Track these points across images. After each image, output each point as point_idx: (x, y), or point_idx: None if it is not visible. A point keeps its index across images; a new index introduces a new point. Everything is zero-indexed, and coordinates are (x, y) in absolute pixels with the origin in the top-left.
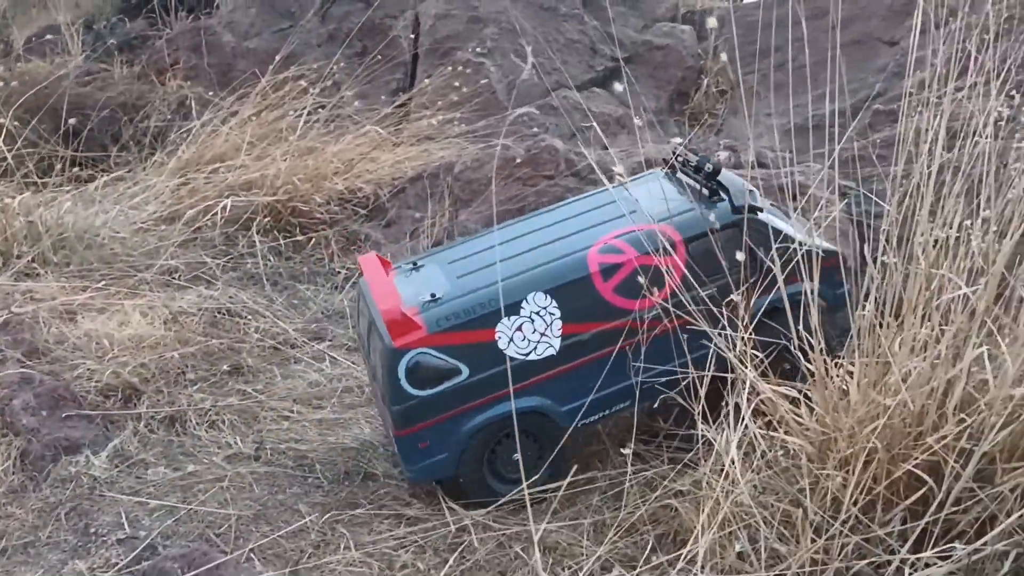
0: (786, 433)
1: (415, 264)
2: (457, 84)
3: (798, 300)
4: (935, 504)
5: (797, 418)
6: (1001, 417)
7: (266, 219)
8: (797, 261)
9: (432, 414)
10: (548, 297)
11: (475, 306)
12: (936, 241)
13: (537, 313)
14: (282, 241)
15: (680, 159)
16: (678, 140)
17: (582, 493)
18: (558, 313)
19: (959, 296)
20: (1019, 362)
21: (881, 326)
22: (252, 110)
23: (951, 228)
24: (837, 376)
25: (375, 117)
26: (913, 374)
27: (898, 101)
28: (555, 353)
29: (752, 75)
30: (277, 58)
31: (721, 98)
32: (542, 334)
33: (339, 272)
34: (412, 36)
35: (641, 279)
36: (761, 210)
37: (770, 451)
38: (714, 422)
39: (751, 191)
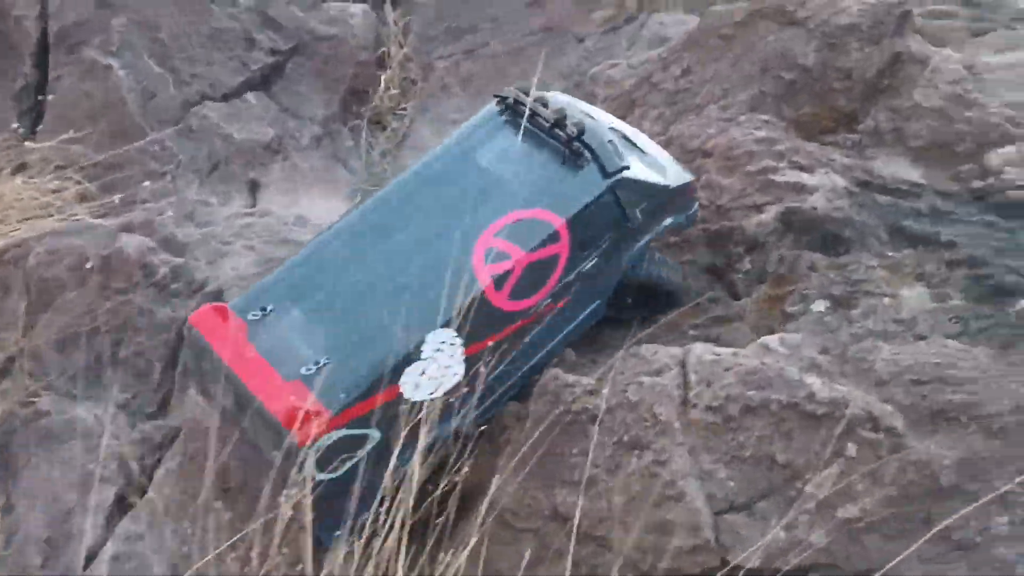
0: None
1: (263, 309)
2: (87, 92)
3: None
4: None
5: None
6: None
7: None
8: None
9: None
10: (449, 329)
11: (375, 366)
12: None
13: (439, 349)
14: None
15: (523, 107)
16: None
17: None
18: (460, 341)
19: None
20: None
21: None
22: None
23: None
24: None
25: None
26: None
27: None
28: (461, 378)
29: (443, 61)
30: None
31: (407, 93)
32: (447, 366)
33: None
34: (39, 20)
35: (530, 278)
36: (628, 167)
37: None
38: None
39: (612, 143)
